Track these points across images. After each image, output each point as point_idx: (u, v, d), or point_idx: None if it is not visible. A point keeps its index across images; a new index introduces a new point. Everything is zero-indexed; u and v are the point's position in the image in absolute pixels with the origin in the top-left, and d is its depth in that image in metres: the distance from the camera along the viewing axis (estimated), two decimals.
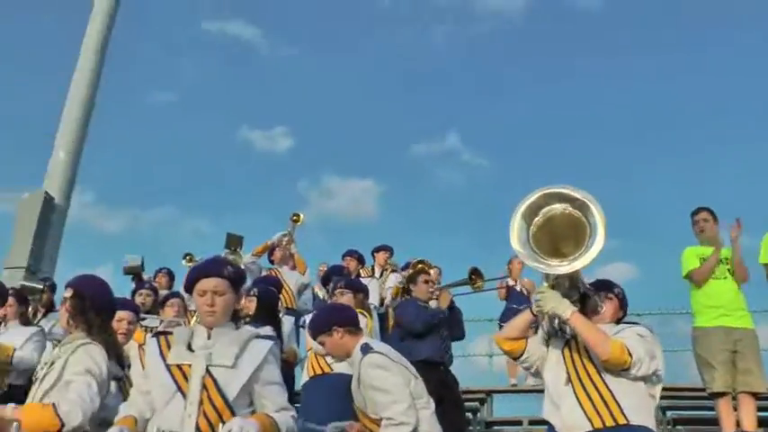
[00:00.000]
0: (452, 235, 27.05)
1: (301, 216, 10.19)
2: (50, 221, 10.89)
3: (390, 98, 32.58)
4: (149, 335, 3.99)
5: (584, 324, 3.98)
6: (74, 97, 11.82)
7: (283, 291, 8.44)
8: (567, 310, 3.98)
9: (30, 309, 7.07)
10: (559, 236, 4.01)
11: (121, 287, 9.04)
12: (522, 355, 4.34)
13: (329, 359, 6.01)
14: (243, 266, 9.14)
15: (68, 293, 4.07)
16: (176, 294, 7.38)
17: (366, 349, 4.69)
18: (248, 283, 7.56)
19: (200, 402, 3.31)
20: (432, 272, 8.81)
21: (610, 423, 3.89)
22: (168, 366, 3.44)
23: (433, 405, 4.76)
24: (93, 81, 11.97)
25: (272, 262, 9.70)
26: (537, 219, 4.03)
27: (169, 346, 3.53)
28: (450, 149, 30.65)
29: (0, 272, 10.05)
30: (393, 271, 10.12)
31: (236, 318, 3.70)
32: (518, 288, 11.14)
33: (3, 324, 6.54)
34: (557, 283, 4.06)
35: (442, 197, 29.69)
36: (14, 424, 3.45)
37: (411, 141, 34.33)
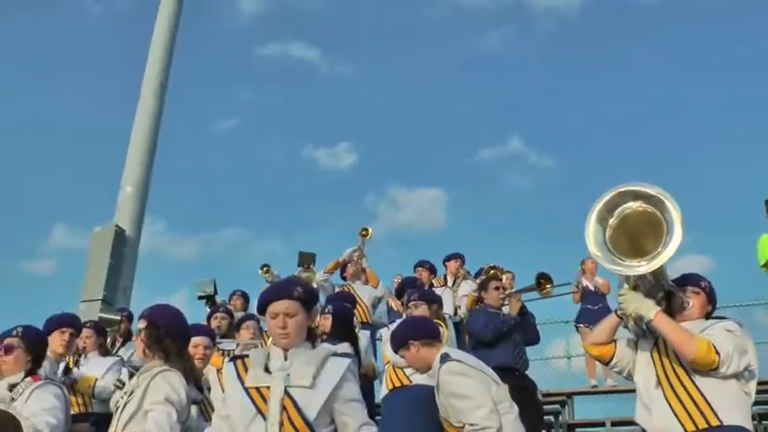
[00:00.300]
0: (522, 239, 26.94)
1: (370, 230, 10.07)
2: (123, 253, 11.09)
3: (451, 106, 32.55)
4: (226, 359, 3.97)
5: (668, 324, 3.88)
6: (137, 135, 12.12)
7: (357, 306, 8.46)
8: (650, 310, 3.88)
9: (108, 339, 7.20)
10: (638, 234, 3.90)
11: (197, 313, 9.14)
12: (612, 359, 4.25)
13: (408, 371, 5.98)
14: (316, 285, 9.17)
15: (142, 324, 4.09)
16: (251, 317, 7.37)
17: (444, 358, 4.66)
18: (322, 301, 7.58)
19: (281, 424, 3.25)
20: (504, 277, 8.71)
21: (702, 425, 3.77)
22: (247, 389, 3.40)
23: (516, 410, 4.70)
24: (155, 118, 12.28)
25: (344, 278, 9.73)
26: (612, 220, 3.94)
27: (246, 369, 3.49)
28: (515, 152, 30.51)
29: (77, 305, 10.25)
30: (465, 279, 10.02)
31: (311, 336, 3.64)
32: (592, 288, 10.96)
33: (83, 356, 6.66)
34: (639, 282, 3.96)
35: (511, 201, 29.68)
36: None
37: (476, 147, 34.25)
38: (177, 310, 4.32)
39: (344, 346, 6.30)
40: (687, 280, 4.23)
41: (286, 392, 3.33)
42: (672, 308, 4.05)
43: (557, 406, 10.36)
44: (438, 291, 8.79)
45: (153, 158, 12.07)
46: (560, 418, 10.22)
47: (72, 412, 5.76)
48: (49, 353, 5.57)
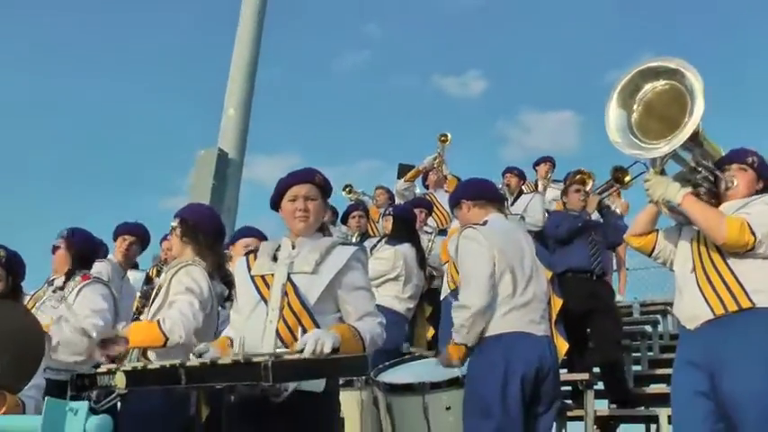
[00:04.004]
0: None
1: (449, 136, 9.70)
2: (226, 175, 11.39)
3: (580, 27, 31.61)
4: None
5: (695, 207, 3.65)
6: (237, 56, 12.27)
7: (437, 211, 8.53)
8: (677, 194, 3.66)
9: None
10: (668, 114, 3.65)
11: None
12: (654, 249, 4.06)
13: None
14: (396, 193, 9.23)
15: (175, 222, 4.26)
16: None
17: (473, 225, 4.38)
18: None
19: (281, 309, 3.30)
20: (589, 181, 8.54)
21: (732, 308, 3.55)
22: (252, 278, 3.48)
23: (521, 302, 4.21)
24: (255, 41, 12.39)
25: (426, 187, 9.56)
26: (636, 105, 3.75)
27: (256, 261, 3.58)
28: None
29: None
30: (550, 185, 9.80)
31: (322, 229, 3.68)
32: None
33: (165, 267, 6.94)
34: (681, 165, 3.79)
35: None
36: (123, 340, 3.71)
37: (606, 68, 33.22)
38: (210, 208, 4.47)
39: (405, 247, 6.40)
40: (732, 157, 3.94)
41: (288, 279, 3.38)
42: (719, 190, 3.82)
43: (656, 316, 10.05)
44: (527, 197, 8.69)
45: (254, 80, 12.21)
46: (659, 328, 9.83)
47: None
48: (113, 258, 5.89)
